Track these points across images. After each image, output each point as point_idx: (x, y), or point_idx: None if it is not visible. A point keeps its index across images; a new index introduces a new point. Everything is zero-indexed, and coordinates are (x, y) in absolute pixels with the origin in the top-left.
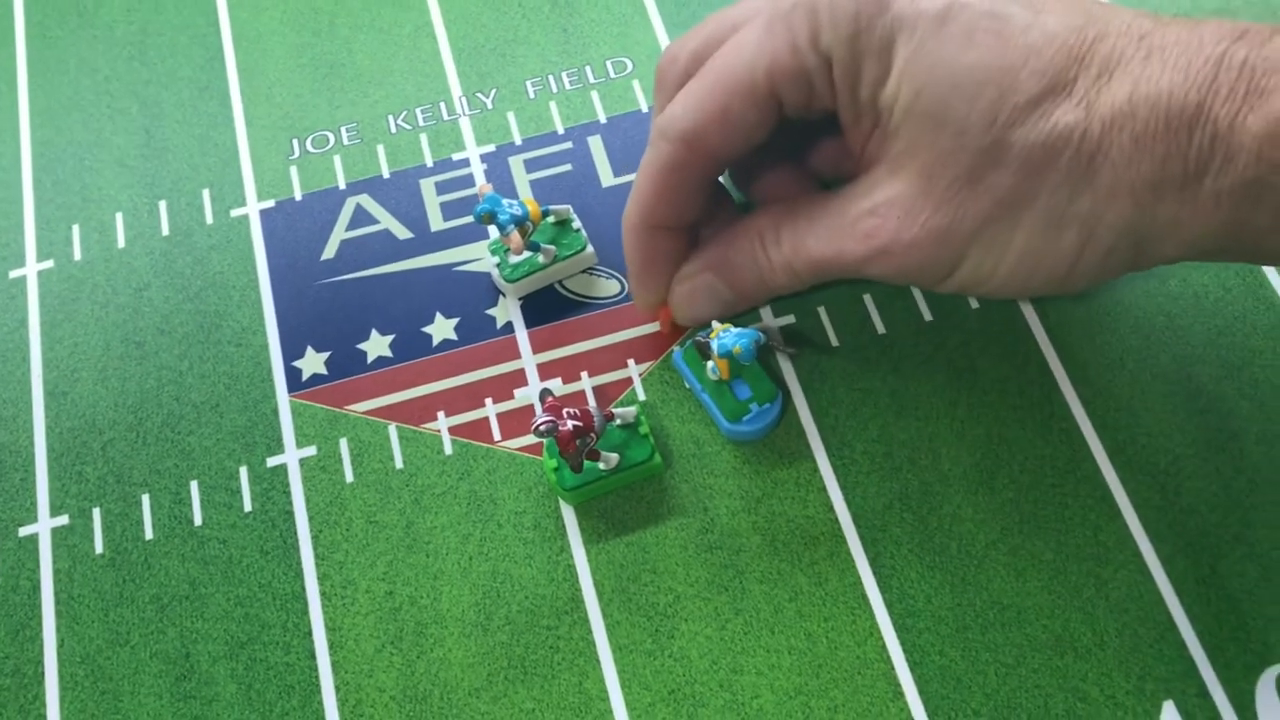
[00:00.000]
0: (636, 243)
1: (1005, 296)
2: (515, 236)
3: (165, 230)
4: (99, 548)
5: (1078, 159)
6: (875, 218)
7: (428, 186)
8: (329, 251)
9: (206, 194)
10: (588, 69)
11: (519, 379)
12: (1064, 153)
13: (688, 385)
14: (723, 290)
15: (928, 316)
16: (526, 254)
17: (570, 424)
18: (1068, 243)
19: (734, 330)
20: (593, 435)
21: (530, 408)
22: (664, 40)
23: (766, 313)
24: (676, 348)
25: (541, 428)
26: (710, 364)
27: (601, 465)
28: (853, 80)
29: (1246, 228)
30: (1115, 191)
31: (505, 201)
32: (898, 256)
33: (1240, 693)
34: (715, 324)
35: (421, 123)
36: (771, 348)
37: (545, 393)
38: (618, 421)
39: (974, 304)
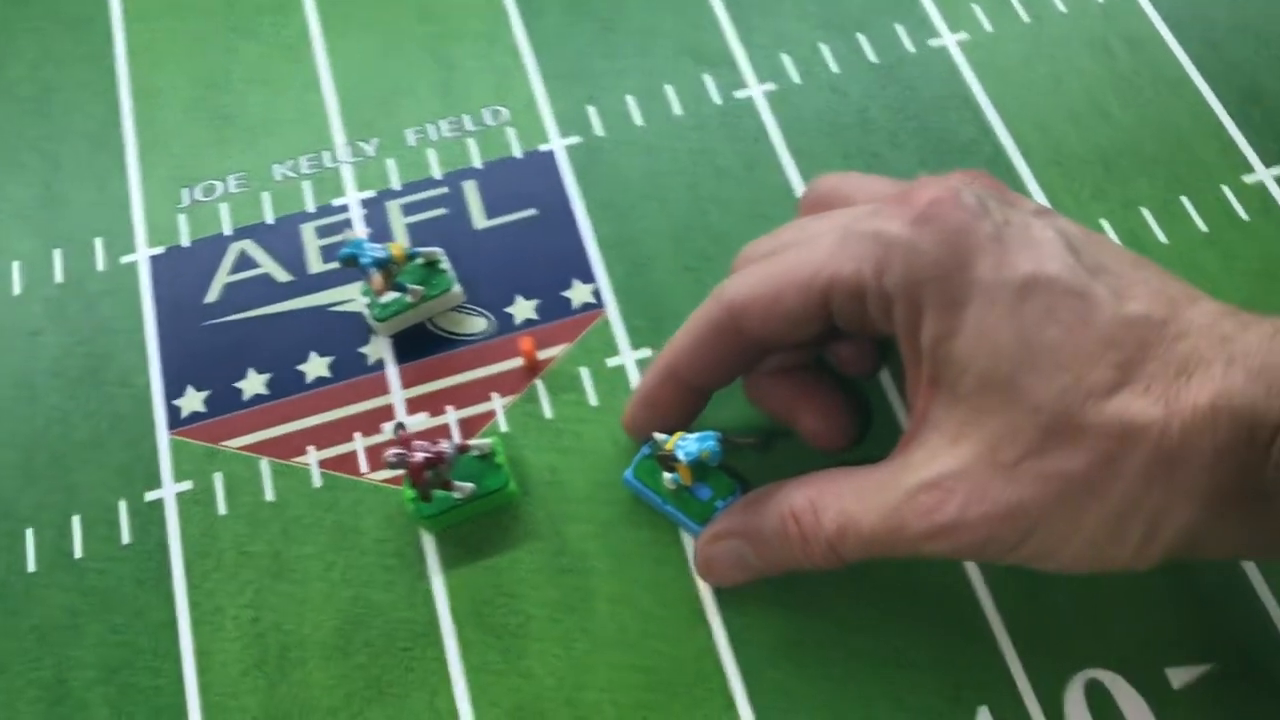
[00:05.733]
0: (651, 379)
1: (1065, 572)
2: (377, 278)
3: (59, 278)
4: None
5: (1157, 456)
6: (938, 491)
7: (308, 231)
8: (212, 295)
9: (100, 242)
10: (466, 118)
11: (388, 414)
12: (1141, 446)
13: (646, 501)
14: (752, 559)
15: None
16: (394, 294)
17: (420, 455)
18: (1134, 534)
19: (692, 436)
20: (443, 466)
21: (393, 441)
22: (539, 89)
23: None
24: (628, 471)
25: (392, 459)
26: (668, 474)
27: (456, 494)
28: (912, 326)
29: None
30: (1190, 494)
31: (369, 245)
32: (964, 533)
33: (1051, 698)
34: (659, 435)
35: (305, 171)
36: (733, 443)
37: (399, 426)
38: (474, 452)
39: None
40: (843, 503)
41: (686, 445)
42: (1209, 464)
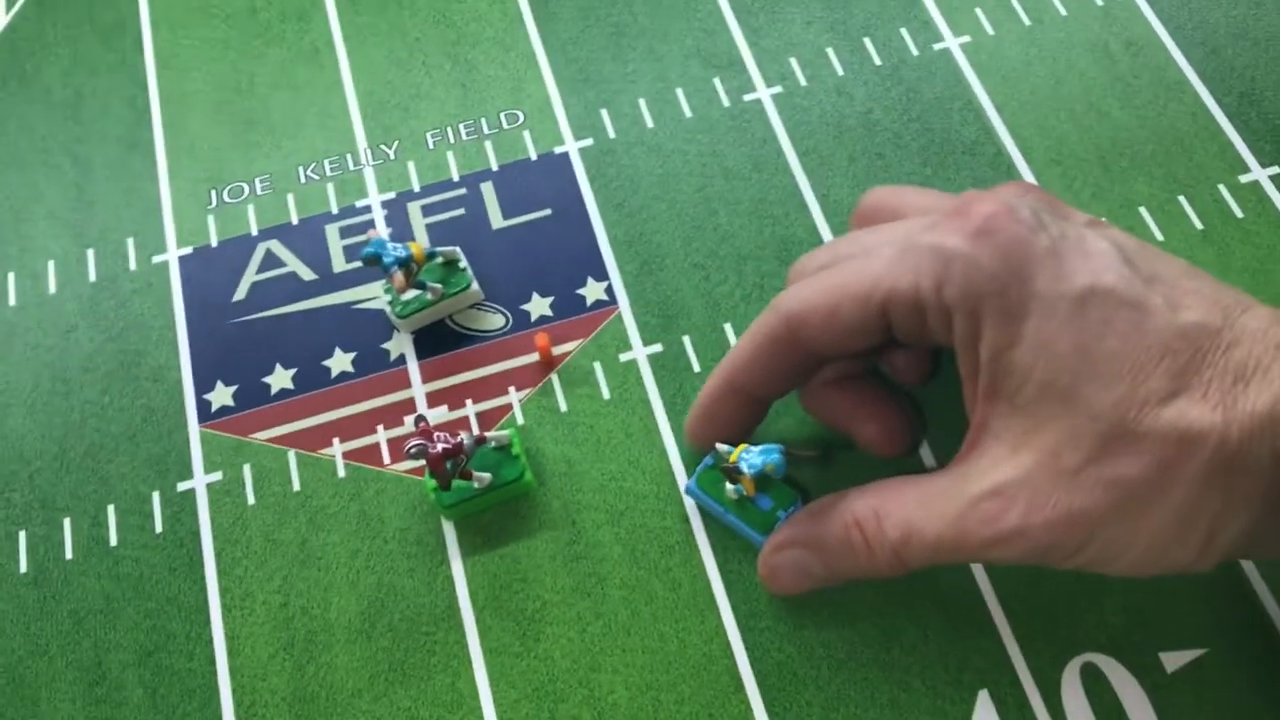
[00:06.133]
0: (711, 390)
1: (1128, 576)
2: (398, 276)
3: (93, 276)
4: (23, 567)
5: (1216, 461)
6: (1001, 499)
7: (332, 231)
8: (240, 293)
9: (131, 242)
10: (483, 121)
11: (409, 407)
12: (1200, 452)
13: (708, 510)
14: (816, 568)
15: None
16: (415, 292)
17: (440, 446)
18: (1195, 537)
19: (755, 449)
20: (462, 457)
21: (414, 433)
22: (553, 93)
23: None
24: (690, 481)
25: (413, 450)
26: (731, 485)
27: (475, 484)
28: (972, 338)
29: None
30: (1250, 498)
31: (390, 245)
32: (1027, 539)
33: (1048, 681)
34: (722, 446)
35: (329, 173)
36: (794, 455)
37: (420, 419)
38: (492, 444)
39: None
40: (906, 511)
41: (750, 458)
42: (1268, 468)
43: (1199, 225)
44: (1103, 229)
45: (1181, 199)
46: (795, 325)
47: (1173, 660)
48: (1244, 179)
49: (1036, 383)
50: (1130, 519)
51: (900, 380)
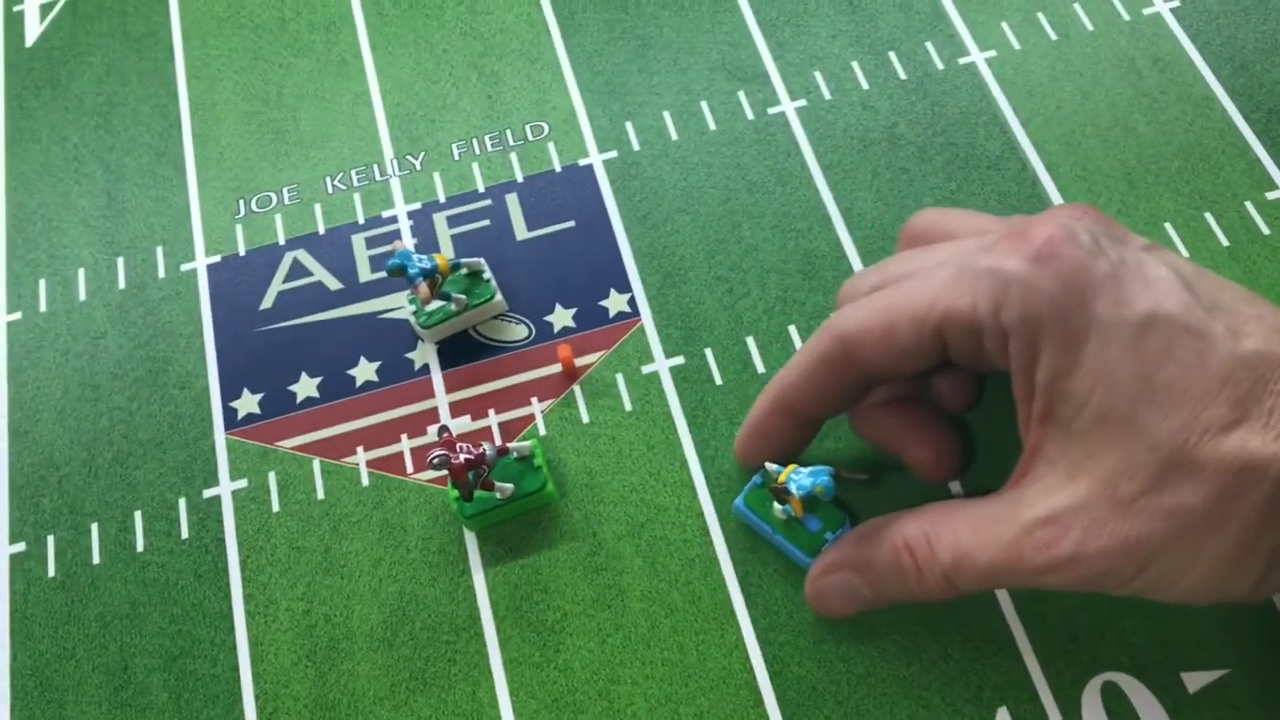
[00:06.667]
0: (761, 409)
1: (1183, 603)
2: (423, 287)
3: (122, 284)
4: (51, 572)
5: (1276, 492)
6: (1056, 526)
7: (358, 241)
8: (267, 301)
9: (160, 250)
10: (508, 132)
11: (432, 416)
12: (1261, 483)
13: (754, 529)
14: (864, 590)
15: None
16: (439, 303)
17: (463, 457)
18: (1253, 568)
19: (804, 470)
20: (484, 468)
21: (437, 443)
22: (578, 105)
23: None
24: (738, 499)
25: (435, 460)
26: (779, 506)
27: (497, 495)
28: (1028, 362)
29: None
30: None
31: (415, 256)
32: (1082, 566)
33: (1068, 699)
34: (771, 466)
35: (356, 183)
36: (842, 477)
37: (443, 429)
38: (514, 455)
39: None
40: (958, 535)
41: (800, 479)
42: None
43: (1225, 242)
44: (1160, 253)
45: (1208, 215)
46: (850, 346)
47: (1195, 680)
48: (1271, 196)
49: (1094, 409)
50: (1188, 548)
51: (944, 406)
